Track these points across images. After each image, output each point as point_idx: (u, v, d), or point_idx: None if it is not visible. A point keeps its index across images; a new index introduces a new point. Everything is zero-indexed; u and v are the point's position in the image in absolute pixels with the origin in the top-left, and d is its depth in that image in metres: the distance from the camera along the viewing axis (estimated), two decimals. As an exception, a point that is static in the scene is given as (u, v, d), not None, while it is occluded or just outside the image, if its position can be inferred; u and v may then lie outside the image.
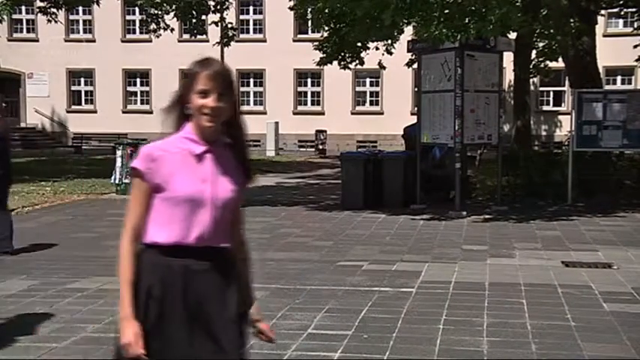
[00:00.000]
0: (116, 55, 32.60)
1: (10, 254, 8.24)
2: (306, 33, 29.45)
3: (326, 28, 16.91)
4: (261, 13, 32.61)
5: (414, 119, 14.42)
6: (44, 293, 6.57)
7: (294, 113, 31.47)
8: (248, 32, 32.29)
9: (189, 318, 2.46)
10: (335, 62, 17.91)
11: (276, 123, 29.92)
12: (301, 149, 30.40)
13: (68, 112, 33.89)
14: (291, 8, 17.72)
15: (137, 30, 31.82)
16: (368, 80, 31.87)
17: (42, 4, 21.22)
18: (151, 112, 33.13)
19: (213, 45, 21.75)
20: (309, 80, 32.36)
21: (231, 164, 2.59)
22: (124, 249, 2.51)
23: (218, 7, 20.50)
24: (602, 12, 17.86)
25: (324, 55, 17.63)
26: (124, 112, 33.31)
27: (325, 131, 30.13)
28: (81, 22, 33.55)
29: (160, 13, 21.44)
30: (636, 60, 18.76)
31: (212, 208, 2.50)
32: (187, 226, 2.48)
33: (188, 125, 2.54)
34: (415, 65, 17.22)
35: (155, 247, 2.50)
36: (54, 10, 21.05)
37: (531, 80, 23.66)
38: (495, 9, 10.93)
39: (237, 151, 2.61)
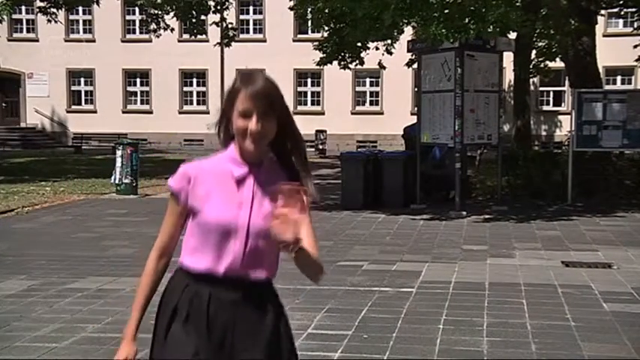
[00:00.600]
0: (116, 55, 32.59)
1: None
2: (306, 33, 29.45)
3: (326, 28, 16.92)
4: (261, 13, 32.62)
5: (414, 119, 14.41)
6: (44, 293, 6.56)
7: (294, 113, 30.22)
8: (248, 32, 32.29)
9: (213, 347, 2.33)
10: (335, 62, 17.93)
11: (276, 123, 29.90)
12: (301, 149, 30.38)
13: (68, 112, 33.88)
14: (291, 8, 17.73)
15: (137, 30, 31.84)
16: (368, 80, 31.86)
17: (42, 4, 21.23)
18: (151, 112, 33.20)
19: (214, 45, 21.80)
20: (309, 80, 32.35)
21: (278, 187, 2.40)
22: (148, 266, 2.43)
23: (218, 7, 20.55)
24: (602, 12, 17.85)
25: (324, 55, 17.65)
26: (124, 112, 33.29)
27: (325, 131, 30.12)
28: (81, 22, 33.52)
29: (160, 13, 21.50)
30: (636, 60, 18.77)
31: (247, 237, 2.30)
32: (218, 255, 2.31)
33: (232, 144, 2.34)
34: (415, 65, 17.22)
35: (187, 270, 2.38)
36: (54, 10, 21.06)
37: (531, 80, 23.65)
38: (495, 9, 10.93)
39: (287, 171, 2.36)
